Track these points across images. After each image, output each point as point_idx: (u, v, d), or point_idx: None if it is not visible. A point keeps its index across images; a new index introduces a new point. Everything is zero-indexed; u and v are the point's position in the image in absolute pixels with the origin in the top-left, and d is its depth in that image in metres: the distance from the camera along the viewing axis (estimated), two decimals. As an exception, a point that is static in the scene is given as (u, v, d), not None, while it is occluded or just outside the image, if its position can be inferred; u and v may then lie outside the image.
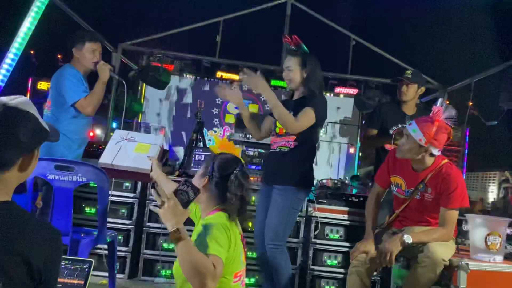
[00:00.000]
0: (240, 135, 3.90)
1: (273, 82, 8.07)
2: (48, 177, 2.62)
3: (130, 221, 3.93)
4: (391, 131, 3.83)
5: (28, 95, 15.65)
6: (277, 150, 3.14)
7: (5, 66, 2.68)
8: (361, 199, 4.09)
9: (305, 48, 3.12)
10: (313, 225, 3.97)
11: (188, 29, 5.81)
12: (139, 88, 6.08)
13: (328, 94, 6.95)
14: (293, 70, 3.09)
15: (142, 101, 6.49)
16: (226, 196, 1.97)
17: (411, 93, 3.81)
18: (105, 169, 2.72)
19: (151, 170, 2.59)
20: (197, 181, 2.01)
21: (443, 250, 2.56)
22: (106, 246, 3.09)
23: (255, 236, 3.23)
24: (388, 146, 3.76)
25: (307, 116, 3.00)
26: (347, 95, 7.25)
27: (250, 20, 6.01)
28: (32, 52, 14.29)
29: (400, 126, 3.84)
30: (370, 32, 6.33)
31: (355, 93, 6.55)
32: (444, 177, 2.70)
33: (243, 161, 2.12)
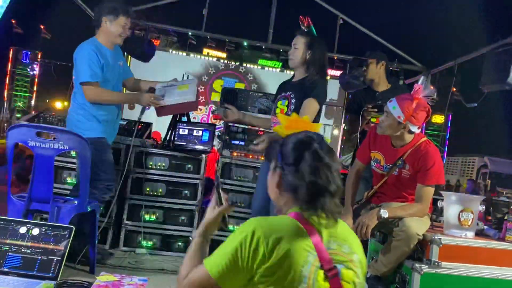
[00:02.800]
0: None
1: (260, 62, 8.05)
2: (29, 144, 2.60)
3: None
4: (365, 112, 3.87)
5: (9, 65, 15.38)
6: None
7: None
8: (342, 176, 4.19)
9: (314, 31, 3.25)
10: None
11: (174, 1, 5.72)
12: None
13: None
14: (298, 49, 3.21)
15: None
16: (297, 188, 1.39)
17: (372, 70, 3.87)
18: (159, 109, 3.57)
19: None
20: (270, 183, 1.51)
21: (417, 225, 2.64)
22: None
23: (254, 213, 3.29)
24: (366, 127, 3.81)
25: (312, 107, 3.12)
26: (334, 78, 7.25)
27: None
28: (13, 21, 13.92)
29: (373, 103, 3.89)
30: (357, 12, 6.31)
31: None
32: (422, 154, 2.77)
33: (325, 138, 1.53)
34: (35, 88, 15.65)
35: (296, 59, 3.22)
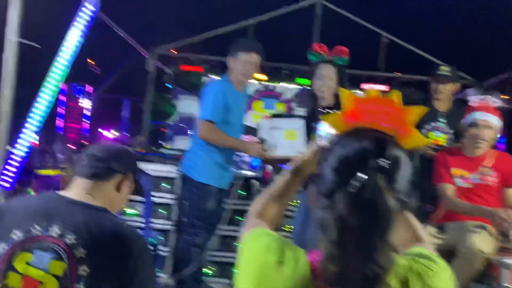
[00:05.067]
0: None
1: (297, 80, 8.05)
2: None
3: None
4: (423, 130, 3.78)
5: (66, 98, 16.28)
6: None
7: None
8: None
9: (346, 60, 3.17)
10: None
11: (221, 33, 5.92)
12: (173, 91, 6.21)
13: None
14: (332, 80, 3.07)
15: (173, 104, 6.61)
16: None
17: (447, 91, 3.75)
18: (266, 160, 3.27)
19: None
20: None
21: (482, 242, 2.55)
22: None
23: (294, 236, 3.25)
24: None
25: None
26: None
27: (281, 21, 6.06)
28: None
29: (432, 124, 3.79)
30: (401, 28, 6.26)
31: (386, 90, 6.55)
32: (505, 157, 2.86)
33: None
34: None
35: (332, 90, 3.07)
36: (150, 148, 4.82)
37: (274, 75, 7.32)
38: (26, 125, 2.77)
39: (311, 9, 5.86)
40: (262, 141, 3.17)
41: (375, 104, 0.98)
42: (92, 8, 2.71)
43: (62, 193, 1.46)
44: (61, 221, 1.33)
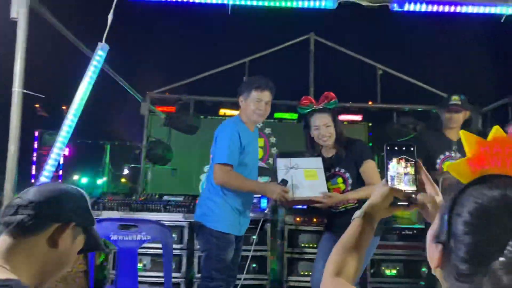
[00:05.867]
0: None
1: (276, 115, 8.01)
2: (112, 238, 2.51)
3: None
4: (438, 160, 3.72)
5: (36, 145, 15.81)
6: (343, 209, 3.08)
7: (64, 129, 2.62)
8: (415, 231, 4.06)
9: (333, 102, 3.14)
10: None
11: (215, 72, 5.84)
12: (169, 135, 6.03)
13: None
14: (331, 126, 3.06)
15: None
16: None
17: (460, 120, 3.72)
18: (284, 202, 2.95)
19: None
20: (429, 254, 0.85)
21: None
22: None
23: (314, 284, 3.11)
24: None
25: (375, 169, 3.06)
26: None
27: (275, 58, 6.04)
28: (37, 106, 14.51)
29: (447, 153, 3.75)
30: (395, 59, 6.31)
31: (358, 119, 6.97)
32: None
33: None
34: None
35: (333, 136, 3.08)
36: (150, 195, 4.56)
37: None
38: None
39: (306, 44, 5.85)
40: (284, 182, 3.00)
41: (501, 146, 0.84)
42: (103, 54, 2.57)
43: None
44: None
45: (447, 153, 3.73)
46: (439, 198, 1.10)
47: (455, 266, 0.74)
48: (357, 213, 1.16)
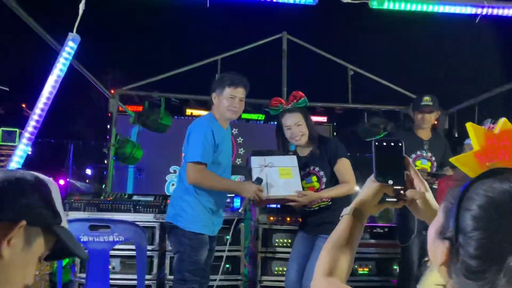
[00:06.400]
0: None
1: (243, 116, 7.98)
2: (82, 240, 2.39)
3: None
4: (410, 159, 3.80)
5: None
6: (316, 208, 3.08)
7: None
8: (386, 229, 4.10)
9: (302, 101, 3.14)
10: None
11: (187, 69, 5.72)
12: (138, 133, 5.86)
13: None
14: (302, 124, 3.08)
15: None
16: None
17: (433, 120, 3.82)
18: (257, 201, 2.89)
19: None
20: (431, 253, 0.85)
21: None
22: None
23: (288, 284, 3.10)
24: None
25: (349, 167, 3.05)
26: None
27: (248, 56, 5.99)
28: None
29: (418, 152, 3.84)
30: (367, 59, 6.40)
31: (323, 121, 7.02)
32: None
33: None
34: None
35: (307, 133, 3.10)
36: (119, 195, 4.40)
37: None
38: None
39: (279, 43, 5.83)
40: (258, 181, 2.96)
41: (509, 139, 0.82)
42: (74, 45, 2.43)
43: None
44: None
45: (418, 152, 3.83)
46: (428, 194, 1.09)
47: (465, 263, 0.71)
48: (346, 210, 1.13)
